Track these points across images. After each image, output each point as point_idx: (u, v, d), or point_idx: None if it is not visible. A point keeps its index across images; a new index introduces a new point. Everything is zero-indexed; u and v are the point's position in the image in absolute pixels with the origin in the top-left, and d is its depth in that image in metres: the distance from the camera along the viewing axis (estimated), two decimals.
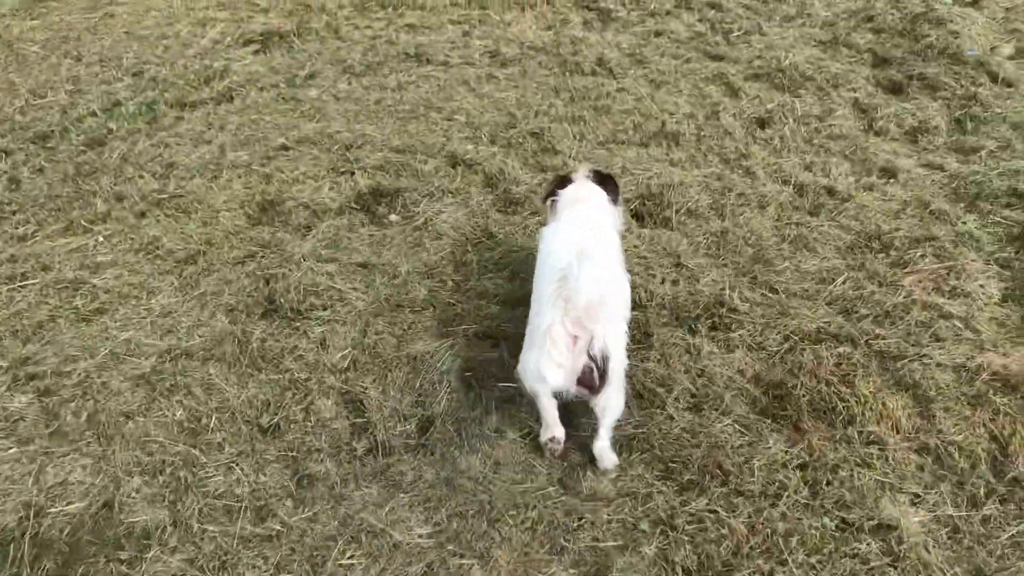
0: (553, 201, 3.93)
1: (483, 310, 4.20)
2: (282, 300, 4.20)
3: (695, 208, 5.00)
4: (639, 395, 3.69)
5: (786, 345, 3.91)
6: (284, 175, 5.44)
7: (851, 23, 7.48)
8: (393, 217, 4.99)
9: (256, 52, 7.56)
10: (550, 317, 3.10)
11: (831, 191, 5.15)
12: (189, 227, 4.97)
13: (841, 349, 3.85)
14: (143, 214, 5.16)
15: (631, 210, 5.00)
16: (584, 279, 3.04)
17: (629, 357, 3.47)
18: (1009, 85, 6.25)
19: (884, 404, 3.53)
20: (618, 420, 3.36)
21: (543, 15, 8.03)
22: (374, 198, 5.17)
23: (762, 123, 5.99)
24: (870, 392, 3.59)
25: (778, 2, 8.07)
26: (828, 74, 6.53)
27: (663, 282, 4.42)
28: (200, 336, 4.13)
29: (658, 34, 7.52)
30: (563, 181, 4.04)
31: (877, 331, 3.94)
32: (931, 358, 3.78)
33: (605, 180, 4.05)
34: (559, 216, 3.79)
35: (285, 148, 5.84)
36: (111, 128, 6.16)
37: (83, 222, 5.10)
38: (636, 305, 4.19)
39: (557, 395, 3.20)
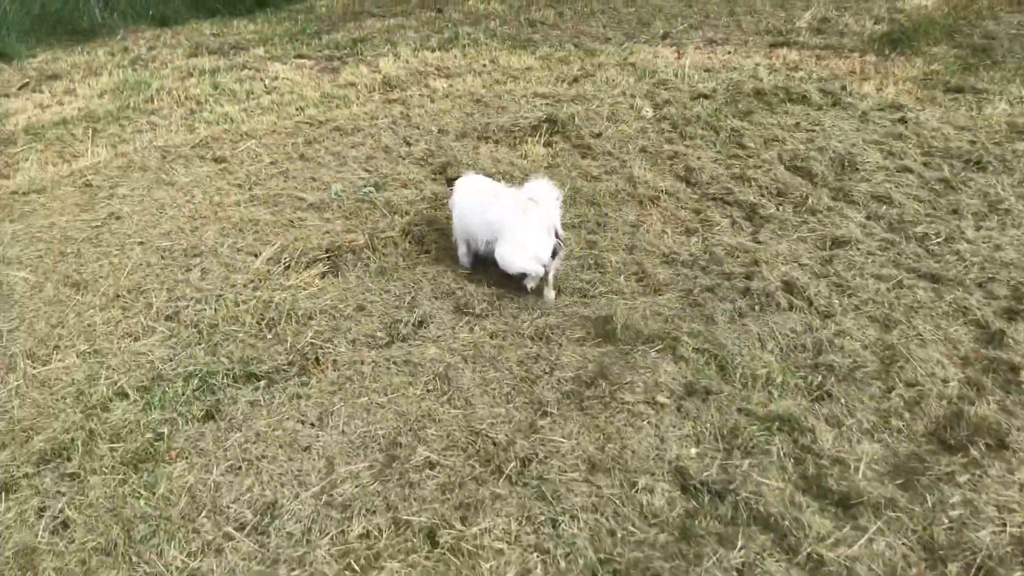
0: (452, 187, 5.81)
1: None
2: None
3: None
4: None
5: None
6: (475, 536, 3.41)
7: None
8: None
9: (324, 275, 5.61)
10: (535, 225, 4.97)
11: None
12: None
13: None
14: None
15: None
16: (548, 201, 5.05)
17: None
18: None
19: None
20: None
21: (674, 215, 6.24)
22: None
23: None
24: None
25: (954, 191, 6.42)
26: None
27: None
28: None
29: (838, 243, 5.77)
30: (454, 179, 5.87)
31: None
32: None
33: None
34: (475, 190, 5.53)
35: (431, 464, 3.83)
36: (159, 433, 4.09)
37: None
38: None
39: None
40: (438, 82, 9.67)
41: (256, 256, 5.88)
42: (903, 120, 7.79)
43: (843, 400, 4.26)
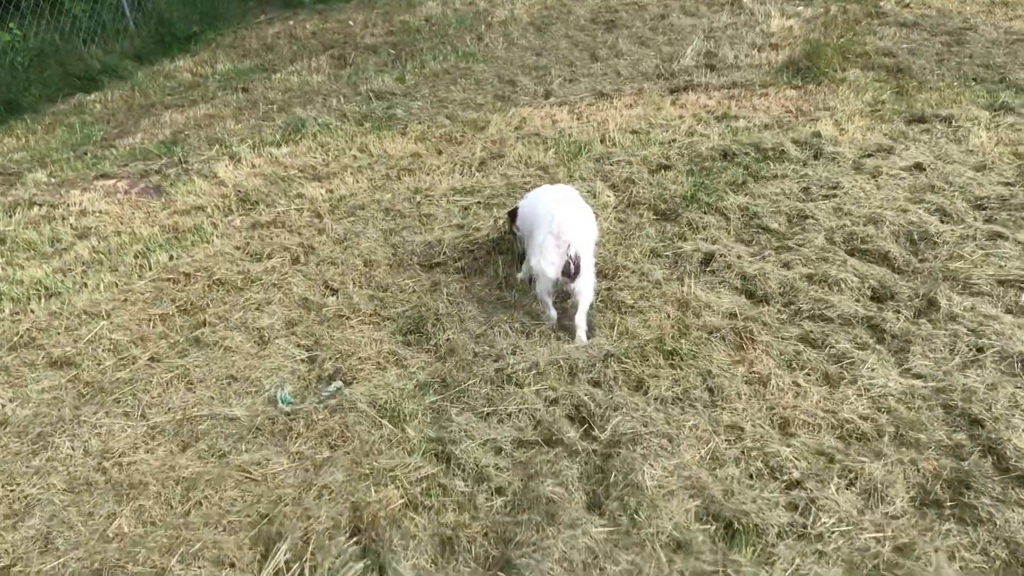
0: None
1: None
2: None
3: None
4: None
5: None
6: None
7: None
8: None
9: None
10: (542, 234, 4.57)
11: None
12: None
13: None
14: None
15: None
16: (561, 214, 4.57)
17: None
18: None
19: None
20: (591, 304, 4.76)
21: (787, 355, 4.42)
22: None
23: None
24: None
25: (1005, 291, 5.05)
26: None
27: None
28: None
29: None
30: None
31: None
32: None
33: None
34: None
35: None
36: None
37: None
38: None
39: (553, 284, 4.60)
40: (312, 188, 7.30)
41: (234, 566, 3.38)
42: (919, 167, 6.40)
43: None
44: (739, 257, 5.46)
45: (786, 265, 5.34)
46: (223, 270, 5.99)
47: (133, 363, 5.02)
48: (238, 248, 6.43)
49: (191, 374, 4.85)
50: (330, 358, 4.85)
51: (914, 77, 8.64)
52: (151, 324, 5.46)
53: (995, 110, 7.60)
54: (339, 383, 4.56)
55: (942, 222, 5.69)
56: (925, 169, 6.43)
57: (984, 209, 5.86)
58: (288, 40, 13.22)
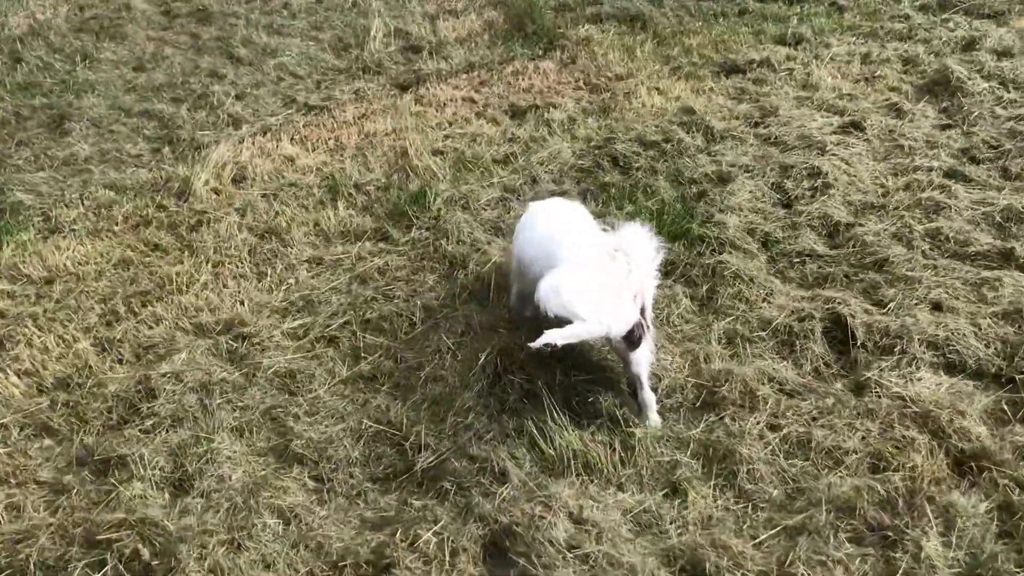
0: None
1: None
2: None
3: None
4: None
5: None
6: None
7: None
8: None
9: None
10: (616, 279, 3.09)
11: None
12: None
13: None
14: None
15: None
16: (642, 254, 3.13)
17: None
18: None
19: None
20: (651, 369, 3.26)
21: None
22: None
23: None
24: None
25: None
26: None
27: None
28: None
29: None
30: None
31: None
32: None
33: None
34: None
35: None
36: None
37: None
38: None
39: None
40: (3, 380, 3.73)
41: None
42: (856, 126, 5.12)
43: None
44: (867, 312, 3.55)
45: (938, 307, 3.58)
46: None
47: None
48: None
49: None
50: None
51: (655, 23, 7.27)
52: None
53: (793, 45, 6.56)
54: None
55: (985, 190, 4.37)
56: (865, 129, 5.09)
57: (980, 163, 4.67)
58: None
